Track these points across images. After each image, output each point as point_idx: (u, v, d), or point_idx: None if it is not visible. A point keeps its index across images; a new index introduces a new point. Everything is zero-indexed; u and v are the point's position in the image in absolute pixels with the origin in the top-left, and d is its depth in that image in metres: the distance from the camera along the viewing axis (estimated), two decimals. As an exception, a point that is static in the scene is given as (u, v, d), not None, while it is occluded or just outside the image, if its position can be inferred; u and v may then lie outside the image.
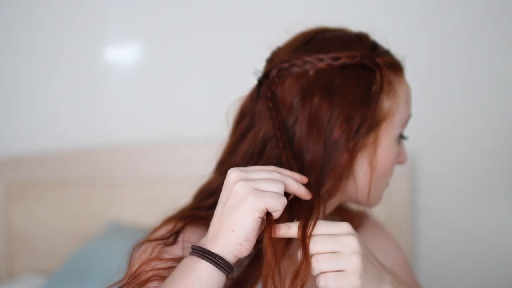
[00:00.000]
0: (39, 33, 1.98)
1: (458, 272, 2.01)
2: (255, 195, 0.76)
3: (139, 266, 0.83)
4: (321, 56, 0.91)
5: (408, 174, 1.91)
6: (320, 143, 0.88)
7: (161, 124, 2.02)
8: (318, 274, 0.75)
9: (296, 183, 0.81)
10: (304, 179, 0.84)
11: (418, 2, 1.96)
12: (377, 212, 1.05)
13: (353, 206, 1.07)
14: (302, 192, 0.81)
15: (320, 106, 0.88)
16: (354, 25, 0.99)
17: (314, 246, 0.75)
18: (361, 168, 0.92)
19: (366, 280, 0.75)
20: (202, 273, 0.75)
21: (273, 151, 0.90)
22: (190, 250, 0.79)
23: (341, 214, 1.04)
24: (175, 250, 0.85)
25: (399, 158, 0.98)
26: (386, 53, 0.96)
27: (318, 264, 0.75)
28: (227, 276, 0.76)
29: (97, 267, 1.74)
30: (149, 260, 0.84)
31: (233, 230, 0.76)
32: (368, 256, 0.77)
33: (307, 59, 0.91)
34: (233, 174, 0.78)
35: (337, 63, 0.91)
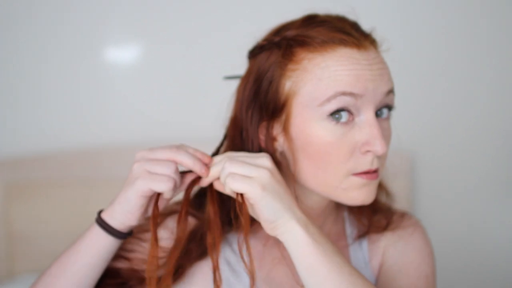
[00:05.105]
0: (38, 33, 1.98)
1: (457, 270, 2.01)
2: (142, 178, 0.84)
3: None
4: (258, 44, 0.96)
5: (407, 173, 1.91)
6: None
7: (162, 124, 2.02)
8: (227, 175, 0.82)
9: (191, 159, 0.87)
10: (206, 159, 0.88)
11: None
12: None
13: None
14: (197, 168, 0.87)
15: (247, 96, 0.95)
16: (350, 15, 0.99)
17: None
18: (290, 155, 0.90)
19: (269, 195, 0.79)
20: (93, 234, 0.92)
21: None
22: None
23: (368, 210, 1.07)
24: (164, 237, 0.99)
25: (366, 145, 0.86)
26: (316, 27, 0.88)
27: (230, 166, 0.82)
28: (118, 238, 0.91)
29: (97, 267, 1.74)
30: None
31: (119, 203, 0.88)
32: (280, 183, 0.82)
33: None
34: (138, 154, 0.88)
35: (254, 51, 0.96)
